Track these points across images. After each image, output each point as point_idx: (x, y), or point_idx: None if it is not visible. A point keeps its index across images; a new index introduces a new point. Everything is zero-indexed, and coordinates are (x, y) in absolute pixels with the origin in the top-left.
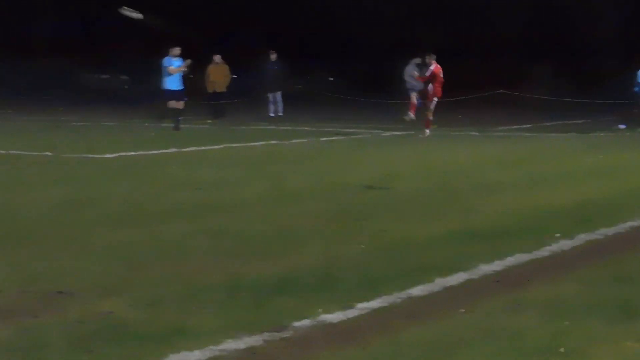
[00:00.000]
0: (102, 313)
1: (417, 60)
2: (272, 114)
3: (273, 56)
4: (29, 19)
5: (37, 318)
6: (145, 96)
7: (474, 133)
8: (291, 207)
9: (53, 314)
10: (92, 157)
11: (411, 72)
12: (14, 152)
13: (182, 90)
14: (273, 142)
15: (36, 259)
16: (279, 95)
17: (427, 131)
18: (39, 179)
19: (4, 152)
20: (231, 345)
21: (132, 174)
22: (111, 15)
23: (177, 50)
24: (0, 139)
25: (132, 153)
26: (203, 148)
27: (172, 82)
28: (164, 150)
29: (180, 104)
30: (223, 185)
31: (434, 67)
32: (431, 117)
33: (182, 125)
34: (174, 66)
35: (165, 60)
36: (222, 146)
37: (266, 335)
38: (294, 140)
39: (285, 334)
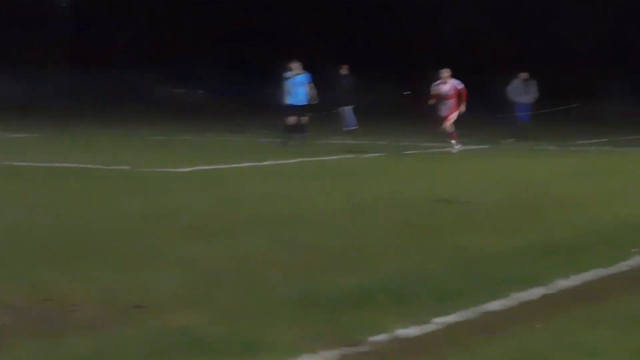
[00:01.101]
0: (179, 326)
1: (524, 75)
2: (345, 128)
3: (344, 70)
4: (107, 32)
5: (115, 332)
6: (221, 110)
7: (550, 147)
8: (367, 221)
9: (131, 327)
10: (168, 170)
11: (517, 88)
12: (91, 165)
13: (306, 105)
14: (348, 156)
15: (114, 272)
16: (349, 109)
17: (455, 143)
18: (115, 192)
19: (80, 165)
20: (307, 359)
21: (208, 188)
22: (187, 29)
23: (297, 65)
24: (77, 152)
25: (208, 167)
26: (278, 162)
27: (297, 97)
28: (239, 165)
29: (304, 119)
30: (299, 198)
31: (455, 82)
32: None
33: (264, 140)
34: (306, 82)
35: (304, 76)
36: (297, 160)
37: (342, 350)
38: (369, 154)
39: (362, 349)
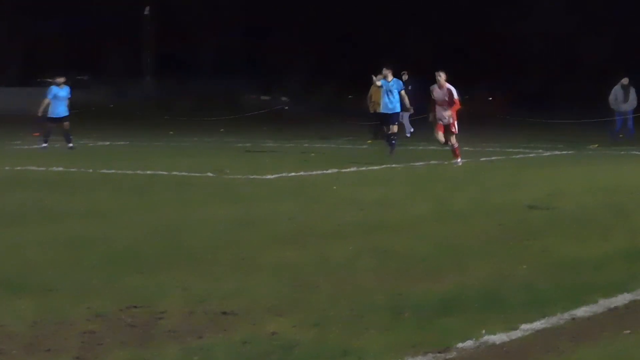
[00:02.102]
0: (267, 334)
1: (625, 81)
2: (407, 134)
3: (405, 76)
4: (194, 40)
5: (202, 339)
6: (306, 117)
7: (638, 152)
8: (454, 227)
9: (218, 334)
10: (254, 177)
11: (617, 94)
12: (177, 173)
13: (398, 113)
14: (434, 162)
15: (202, 279)
16: (406, 115)
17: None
18: (202, 200)
19: (166, 173)
20: None
21: (294, 195)
22: (273, 37)
23: (389, 71)
24: (164, 160)
25: (294, 174)
26: (364, 169)
27: (389, 105)
28: (324, 171)
29: (393, 127)
30: (386, 205)
31: (451, 88)
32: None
33: (349, 146)
34: (398, 89)
35: (396, 83)
36: (382, 167)
37: (430, 356)
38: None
39: (450, 355)
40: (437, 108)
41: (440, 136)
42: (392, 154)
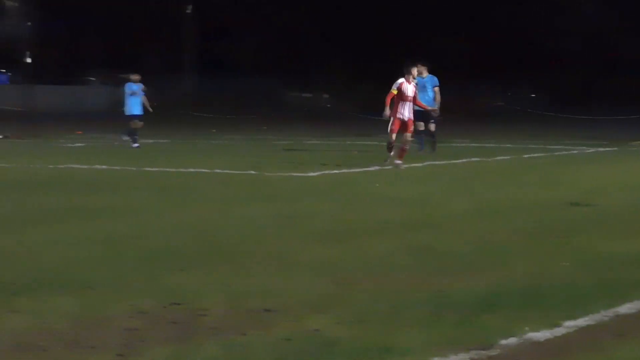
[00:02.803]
0: (309, 330)
1: None
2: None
3: (425, 73)
4: (235, 38)
5: (244, 336)
6: (347, 114)
7: None
8: (495, 224)
9: (260, 331)
10: (296, 175)
11: None
12: (219, 170)
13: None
14: (475, 159)
15: (243, 276)
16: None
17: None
18: (244, 197)
19: (208, 171)
20: None
21: (336, 192)
22: (313, 35)
23: (424, 68)
24: (205, 158)
25: (335, 171)
26: (406, 166)
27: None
28: (366, 168)
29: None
30: (427, 202)
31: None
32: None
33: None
34: (432, 85)
35: (430, 80)
36: (424, 164)
37: (473, 353)
38: (497, 158)
39: (492, 352)
40: (401, 104)
41: (394, 135)
42: (433, 150)
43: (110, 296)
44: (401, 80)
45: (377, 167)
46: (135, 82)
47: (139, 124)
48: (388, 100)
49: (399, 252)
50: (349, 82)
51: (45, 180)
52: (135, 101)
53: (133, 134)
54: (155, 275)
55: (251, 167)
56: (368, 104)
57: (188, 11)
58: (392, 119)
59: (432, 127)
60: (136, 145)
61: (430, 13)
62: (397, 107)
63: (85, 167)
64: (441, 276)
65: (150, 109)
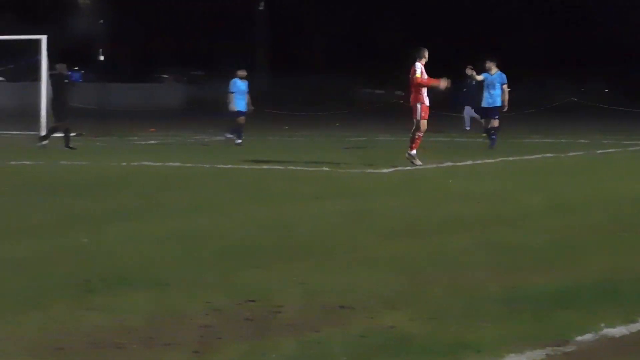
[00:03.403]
0: (384, 327)
1: None
2: (466, 127)
3: (469, 70)
4: (307, 35)
5: (319, 332)
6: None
7: None
8: (570, 219)
9: (335, 328)
10: (369, 172)
11: None
12: (292, 167)
13: (498, 107)
14: (549, 155)
15: (317, 272)
16: (467, 109)
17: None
18: (317, 193)
19: (282, 167)
20: (513, 359)
21: (409, 188)
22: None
23: (492, 64)
24: (279, 155)
25: (408, 167)
26: (478, 162)
27: (490, 99)
28: (439, 165)
29: (494, 121)
30: (501, 198)
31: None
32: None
33: (463, 139)
34: (500, 82)
35: (499, 77)
36: (497, 160)
37: (549, 350)
38: (571, 153)
39: (568, 348)
40: (424, 90)
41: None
42: (491, 148)
43: (186, 293)
44: (420, 65)
45: (449, 164)
46: (241, 78)
47: (242, 120)
48: (430, 81)
49: (473, 248)
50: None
51: (119, 177)
52: (240, 97)
53: (238, 130)
54: (230, 273)
55: (324, 164)
56: (441, 101)
57: (260, 8)
58: (420, 106)
59: (496, 123)
60: (239, 142)
61: (503, 8)
62: (423, 93)
63: (158, 164)
64: (516, 272)
65: (252, 107)
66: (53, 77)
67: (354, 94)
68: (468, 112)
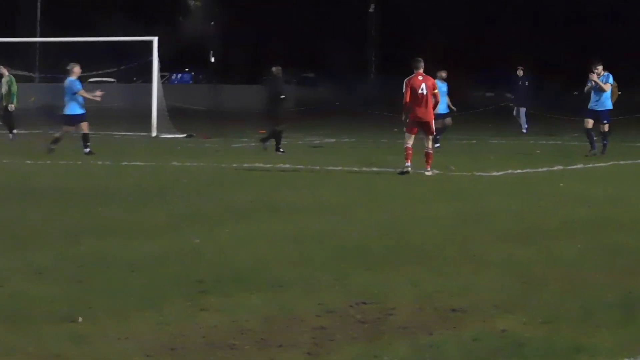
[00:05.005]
0: (497, 331)
1: None
2: (524, 130)
3: (520, 71)
4: (417, 37)
5: (432, 335)
6: (529, 113)
7: None
8: None
9: (448, 331)
10: (480, 174)
11: None
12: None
13: (608, 110)
14: None
15: (431, 276)
16: (522, 110)
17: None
18: (429, 196)
19: (392, 170)
20: None
21: (520, 191)
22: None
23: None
24: (389, 157)
25: (519, 170)
26: (590, 165)
27: (598, 102)
28: (549, 168)
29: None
30: (614, 201)
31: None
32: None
33: (574, 143)
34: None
35: (605, 78)
36: (609, 164)
37: None
38: None
39: None
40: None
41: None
42: (602, 154)
43: (299, 295)
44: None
45: (560, 167)
46: (441, 79)
47: (448, 121)
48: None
49: (587, 252)
50: (533, 80)
51: (231, 179)
52: (442, 100)
53: (440, 132)
54: (343, 274)
55: (437, 166)
56: (554, 103)
57: (371, 10)
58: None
59: (606, 127)
60: (437, 145)
61: (616, 6)
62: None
63: (268, 166)
64: (632, 276)
65: (454, 107)
66: (268, 81)
67: (465, 97)
68: (522, 113)
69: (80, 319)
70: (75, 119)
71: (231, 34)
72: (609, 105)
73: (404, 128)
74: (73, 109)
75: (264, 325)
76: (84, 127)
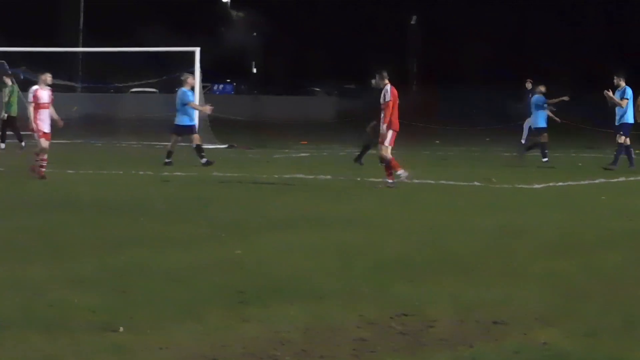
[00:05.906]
0: (538, 343)
1: None
2: (523, 141)
3: (528, 84)
4: (458, 48)
5: (473, 348)
6: (569, 126)
7: None
8: None
9: (488, 343)
10: (521, 187)
11: None
12: (444, 182)
13: (630, 124)
14: None
15: (472, 288)
16: (527, 123)
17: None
18: (470, 208)
19: (433, 182)
20: None
21: (562, 204)
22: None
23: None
24: (431, 169)
25: (561, 183)
26: (632, 179)
27: (628, 115)
28: (592, 181)
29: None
30: None
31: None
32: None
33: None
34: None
35: (622, 92)
36: None
37: None
38: None
39: None
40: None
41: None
42: (630, 167)
43: (340, 306)
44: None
45: (602, 180)
46: (540, 93)
47: (545, 137)
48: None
49: (630, 265)
50: (574, 93)
51: (272, 189)
52: (542, 113)
53: (544, 147)
54: (383, 286)
55: (476, 179)
56: (594, 116)
57: (412, 22)
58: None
59: (621, 139)
60: (545, 159)
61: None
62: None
63: (310, 177)
64: None
65: (558, 119)
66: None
67: (504, 108)
68: (527, 125)
69: (121, 329)
70: (183, 130)
71: (273, 44)
72: (627, 119)
73: (386, 141)
74: (182, 120)
75: (304, 337)
76: (196, 139)
